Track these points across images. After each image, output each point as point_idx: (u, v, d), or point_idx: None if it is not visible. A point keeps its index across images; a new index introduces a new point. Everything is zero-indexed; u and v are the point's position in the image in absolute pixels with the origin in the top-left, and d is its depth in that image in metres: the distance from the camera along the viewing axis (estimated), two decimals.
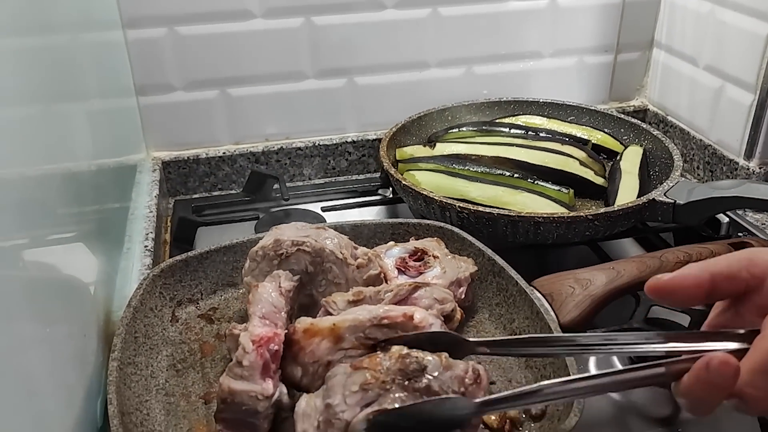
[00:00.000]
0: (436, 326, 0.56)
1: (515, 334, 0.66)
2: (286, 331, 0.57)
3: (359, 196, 1.03)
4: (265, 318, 0.57)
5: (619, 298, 0.68)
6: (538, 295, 0.66)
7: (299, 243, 0.65)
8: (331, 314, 0.60)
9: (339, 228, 0.73)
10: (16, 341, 0.41)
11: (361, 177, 1.09)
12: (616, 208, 0.77)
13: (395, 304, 0.61)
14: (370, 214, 0.98)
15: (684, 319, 0.68)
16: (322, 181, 1.09)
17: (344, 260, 0.66)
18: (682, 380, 0.41)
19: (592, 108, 1.06)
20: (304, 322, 0.57)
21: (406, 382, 0.49)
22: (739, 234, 0.87)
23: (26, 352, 0.43)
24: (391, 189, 1.02)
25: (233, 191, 1.06)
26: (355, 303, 0.60)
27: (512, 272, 0.68)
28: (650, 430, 0.62)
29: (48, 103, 0.58)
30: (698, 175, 1.04)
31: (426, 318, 0.55)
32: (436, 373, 0.49)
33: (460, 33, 1.05)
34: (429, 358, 0.50)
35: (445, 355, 0.51)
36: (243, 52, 0.99)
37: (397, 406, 0.48)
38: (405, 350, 0.51)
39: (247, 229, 0.93)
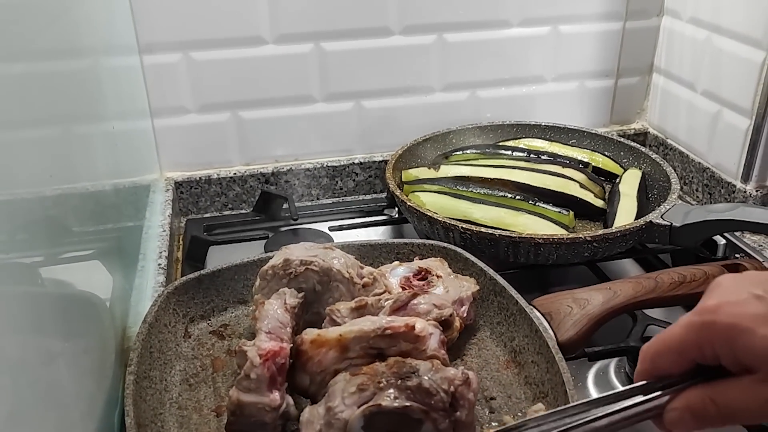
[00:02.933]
0: (436, 336, 0.59)
1: (515, 352, 0.68)
2: (292, 345, 0.59)
3: (366, 216, 1.05)
4: (272, 333, 0.60)
5: (615, 317, 0.70)
6: (538, 314, 0.68)
7: (308, 262, 0.68)
8: (336, 322, 0.62)
9: (346, 248, 0.76)
10: (43, 354, 0.44)
11: (368, 197, 1.12)
12: (614, 230, 0.80)
13: (395, 310, 0.63)
14: (376, 234, 1.01)
15: None
16: (329, 201, 1.11)
17: (351, 279, 0.68)
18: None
19: (593, 131, 1.09)
20: (311, 333, 0.60)
21: (399, 381, 0.52)
22: (735, 255, 0.89)
23: (52, 364, 0.45)
24: (396, 209, 1.04)
25: (243, 211, 1.08)
26: (357, 310, 0.63)
27: (513, 292, 0.70)
28: None
29: (68, 124, 0.61)
30: (697, 197, 1.06)
31: (426, 328, 0.58)
32: (428, 375, 0.53)
33: (465, 58, 1.08)
34: (422, 362, 0.54)
35: (436, 361, 0.55)
36: (254, 76, 1.02)
37: (390, 402, 0.51)
38: (400, 358, 0.55)
39: (257, 248, 0.95)
